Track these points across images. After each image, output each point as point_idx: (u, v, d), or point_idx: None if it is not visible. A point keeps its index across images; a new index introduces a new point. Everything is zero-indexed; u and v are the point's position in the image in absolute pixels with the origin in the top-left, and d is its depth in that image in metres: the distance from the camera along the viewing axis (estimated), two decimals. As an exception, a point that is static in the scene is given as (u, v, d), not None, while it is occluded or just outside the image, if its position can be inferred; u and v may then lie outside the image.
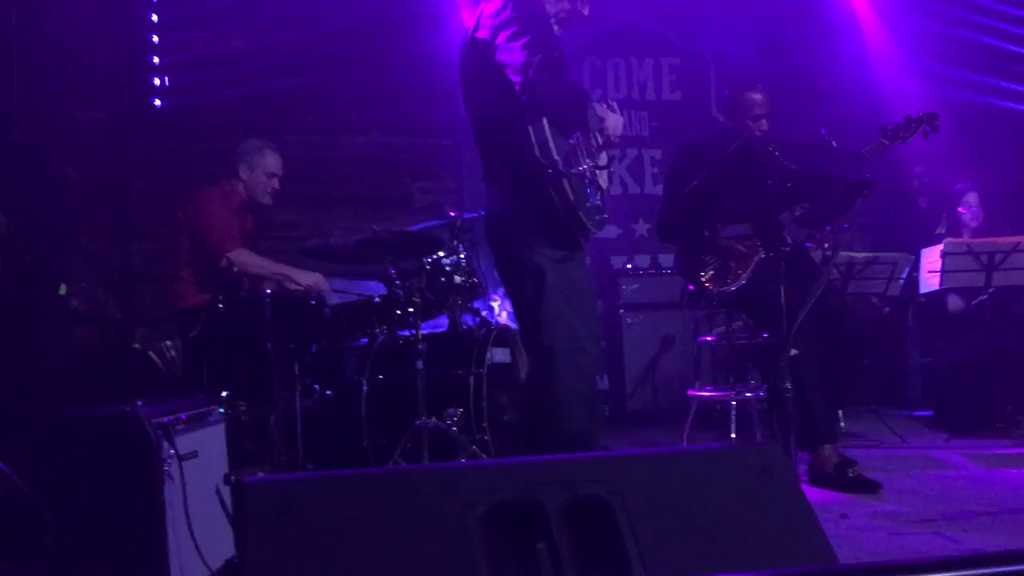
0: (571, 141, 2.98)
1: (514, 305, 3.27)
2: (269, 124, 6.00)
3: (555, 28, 3.20)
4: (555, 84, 2.90)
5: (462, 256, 4.44)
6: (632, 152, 7.48)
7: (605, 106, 3.10)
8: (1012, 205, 6.76)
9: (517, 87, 2.93)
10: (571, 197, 2.88)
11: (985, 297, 5.42)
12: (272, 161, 4.66)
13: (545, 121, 2.90)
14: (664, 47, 7.61)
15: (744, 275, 4.14)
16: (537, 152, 2.89)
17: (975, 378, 5.43)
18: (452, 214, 4.63)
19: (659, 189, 7.21)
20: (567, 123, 2.94)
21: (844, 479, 3.85)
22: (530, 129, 2.89)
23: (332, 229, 6.59)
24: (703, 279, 4.24)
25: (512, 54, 2.95)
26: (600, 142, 3.13)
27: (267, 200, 4.68)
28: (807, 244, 4.31)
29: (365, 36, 6.52)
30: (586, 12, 3.21)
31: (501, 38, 2.98)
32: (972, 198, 6.08)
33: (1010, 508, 3.45)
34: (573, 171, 2.90)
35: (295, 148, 6.21)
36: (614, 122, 3.09)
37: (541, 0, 3.18)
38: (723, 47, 7.37)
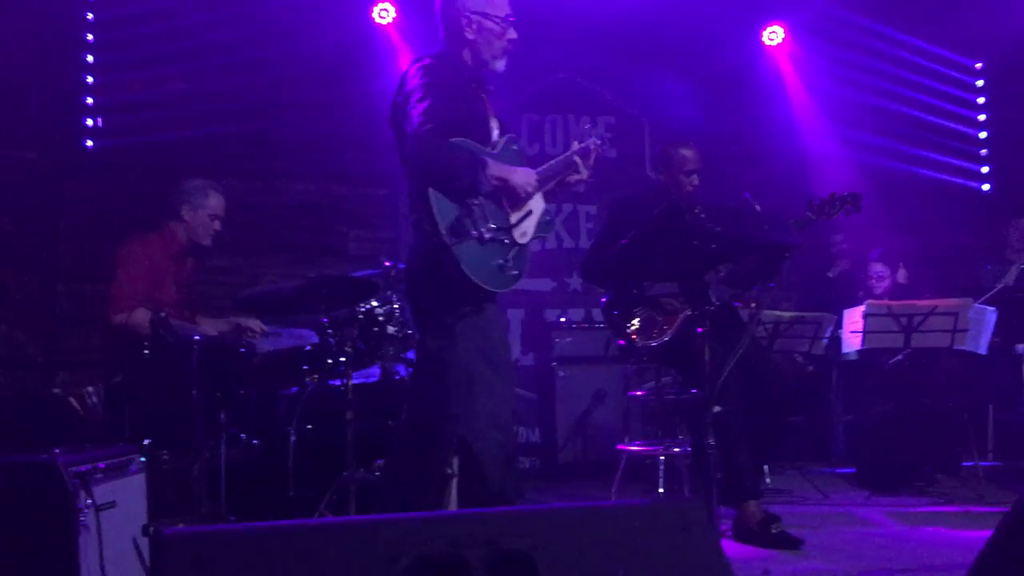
0: (471, 204, 3.00)
1: (424, 358, 3.26)
2: (204, 168, 5.95)
3: (497, 65, 3.29)
4: (438, 151, 2.95)
5: (396, 306, 4.44)
6: (567, 207, 7.60)
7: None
8: (931, 270, 7.02)
9: (405, 156, 3.03)
10: (459, 263, 2.91)
11: (901, 357, 5.60)
12: (216, 202, 4.65)
13: (432, 191, 2.94)
14: (601, 105, 7.79)
15: (669, 331, 4.22)
16: (425, 223, 2.95)
17: (896, 437, 5.57)
18: (387, 263, 4.63)
19: (593, 240, 7.35)
20: (453, 189, 2.97)
21: (767, 535, 3.91)
22: (419, 198, 2.96)
23: (264, 276, 6.54)
24: (629, 331, 4.31)
25: (408, 121, 3.03)
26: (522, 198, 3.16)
27: (207, 242, 4.66)
28: (735, 303, 4.43)
29: (305, 83, 6.55)
30: (514, 35, 3.30)
31: (408, 104, 3.06)
32: (879, 265, 6.32)
33: (926, 566, 3.53)
34: (466, 238, 2.93)
35: (229, 192, 6.11)
36: (522, 179, 3.11)
37: (457, 62, 3.25)
38: (658, 108, 7.57)
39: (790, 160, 7.48)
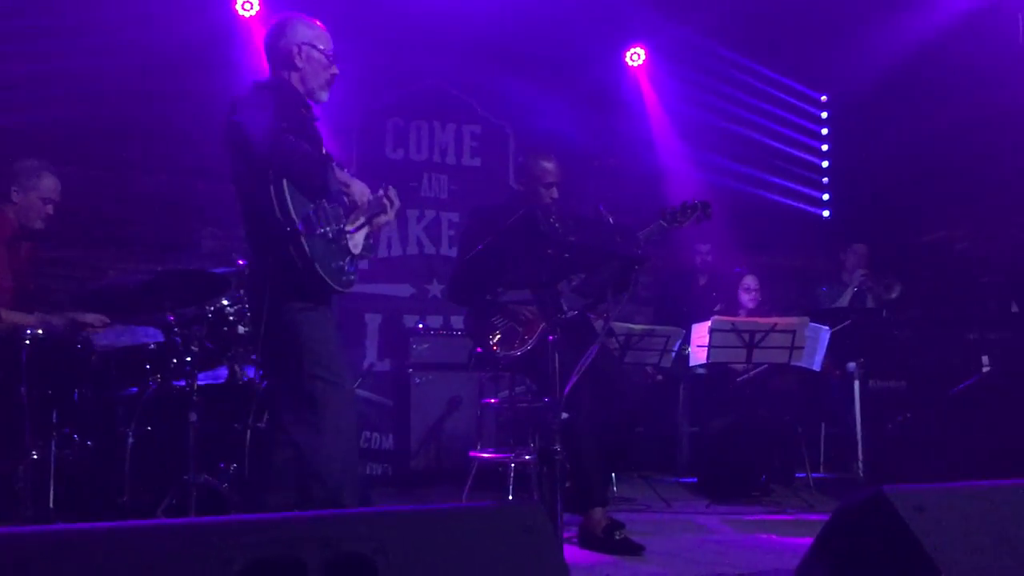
0: (319, 205, 3.13)
1: (267, 359, 3.30)
2: (49, 154, 5.64)
3: (322, 95, 3.42)
4: (295, 149, 3.08)
5: (247, 305, 4.32)
6: (430, 214, 7.59)
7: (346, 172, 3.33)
8: (776, 289, 7.38)
9: (261, 150, 3.06)
10: (309, 254, 3.02)
11: (749, 376, 5.85)
12: (49, 184, 4.42)
13: (285, 183, 3.04)
14: (467, 114, 7.83)
15: (531, 340, 4.26)
16: (277, 212, 3.03)
17: (735, 448, 5.81)
18: (240, 262, 4.50)
19: (455, 251, 7.36)
20: (307, 187, 3.10)
21: (611, 541, 4.00)
22: (271, 190, 3.03)
23: (109, 270, 6.24)
24: (491, 342, 4.33)
25: (258, 122, 3.10)
26: (354, 207, 3.31)
27: (39, 225, 4.43)
28: (589, 314, 4.53)
29: (162, 72, 6.29)
30: (336, 71, 3.44)
31: (251, 105, 3.16)
32: (750, 281, 6.57)
33: (757, 570, 3.70)
34: (315, 232, 3.05)
35: (76, 182, 5.86)
36: (359, 189, 3.29)
37: (288, 88, 3.35)
38: (524, 119, 7.67)
39: (648, 177, 7.72)
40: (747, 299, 6.52)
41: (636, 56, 8.11)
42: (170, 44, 6.19)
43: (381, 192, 3.43)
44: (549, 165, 4.46)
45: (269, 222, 3.05)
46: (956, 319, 5.71)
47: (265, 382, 4.30)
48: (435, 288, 7.47)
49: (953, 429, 4.95)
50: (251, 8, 6.71)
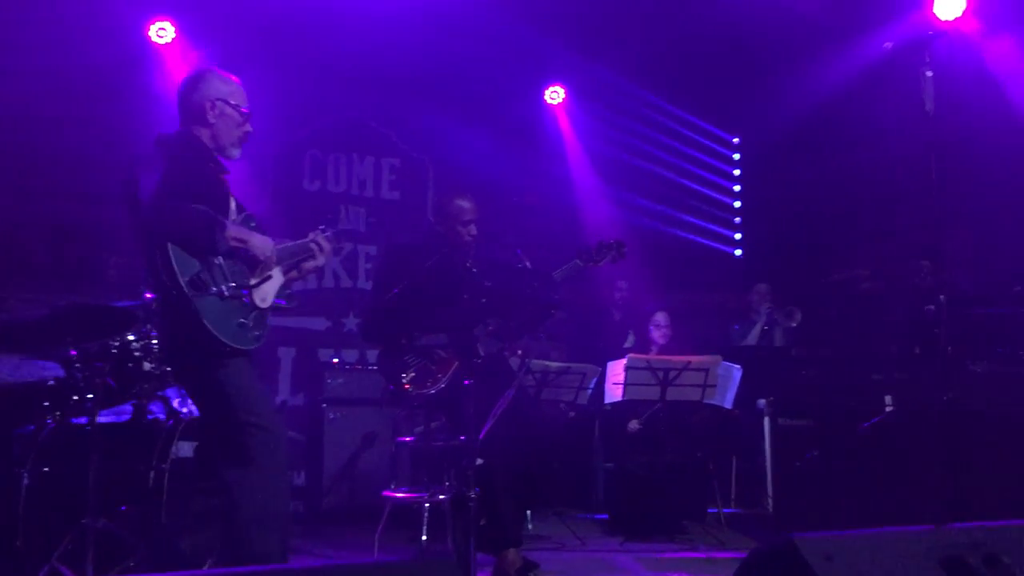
0: (213, 263, 3.07)
1: (201, 412, 3.25)
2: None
3: (233, 152, 3.37)
4: (175, 212, 3.01)
5: (154, 341, 4.19)
6: (347, 246, 7.51)
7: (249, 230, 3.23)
8: (690, 327, 7.50)
9: (143, 216, 3.02)
10: (199, 316, 2.96)
11: (658, 407, 5.91)
12: None
13: (170, 246, 2.99)
14: (386, 147, 7.81)
15: (443, 379, 4.22)
16: (163, 275, 2.98)
17: (648, 485, 5.85)
18: (148, 295, 4.37)
19: (370, 285, 7.30)
20: (193, 248, 3.03)
21: (525, 583, 3.97)
22: (157, 253, 2.99)
23: (9, 299, 5.97)
24: (404, 381, 4.28)
25: (145, 186, 3.04)
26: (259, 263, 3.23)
27: None
28: (507, 352, 4.52)
29: (70, 98, 6.12)
30: (250, 129, 3.40)
31: (144, 165, 3.10)
32: (661, 317, 6.65)
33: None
34: (207, 292, 2.99)
35: (-27, 208, 5.64)
36: (259, 243, 3.20)
37: (197, 142, 3.30)
38: (444, 154, 7.68)
39: (565, 214, 7.80)
40: (658, 335, 6.61)
41: (556, 94, 8.22)
42: (79, 69, 6.03)
43: (311, 236, 3.38)
44: (466, 204, 4.45)
45: (160, 282, 3.01)
46: (861, 358, 5.88)
47: (171, 421, 4.18)
48: (351, 322, 7.38)
49: (858, 467, 5.08)
50: (165, 35, 6.59)
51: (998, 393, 4.81)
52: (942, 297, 3.43)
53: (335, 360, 6.99)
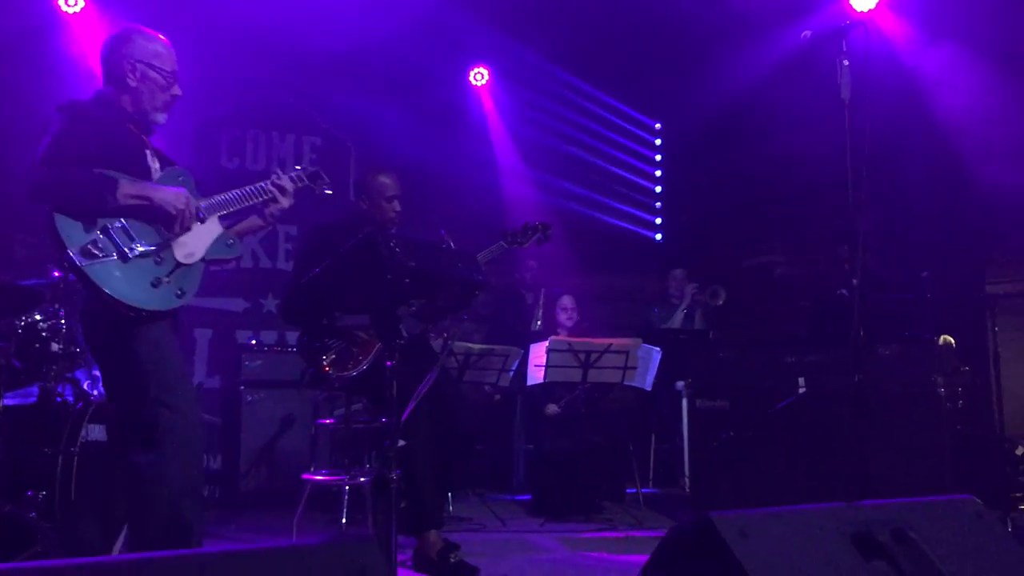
0: (110, 226, 2.95)
1: (108, 390, 3.18)
2: None
3: (158, 117, 3.24)
4: (54, 177, 2.89)
5: (63, 321, 4.05)
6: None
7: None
8: (606, 309, 7.58)
9: (26, 184, 2.92)
10: (102, 287, 2.87)
11: (577, 393, 5.97)
12: None
13: (56, 215, 2.88)
14: (307, 125, 7.67)
15: (365, 361, 4.18)
16: (55, 248, 2.90)
17: (568, 467, 5.90)
18: (56, 274, 4.22)
19: (291, 265, 7.17)
20: (80, 213, 2.91)
21: (446, 565, 3.97)
22: (53, 218, 2.88)
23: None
24: (324, 363, 4.22)
25: (39, 148, 2.95)
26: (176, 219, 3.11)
27: None
28: (430, 334, 4.49)
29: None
30: (179, 92, 3.26)
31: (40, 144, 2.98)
32: (567, 301, 6.71)
33: (589, 590, 3.76)
34: (103, 258, 2.89)
35: None
36: (171, 197, 3.06)
37: (114, 104, 3.18)
38: (366, 134, 7.57)
39: (489, 196, 7.78)
40: (564, 318, 6.68)
41: (480, 76, 8.17)
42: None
43: (271, 179, 3.28)
44: (388, 180, 4.41)
45: (56, 251, 2.91)
46: (775, 341, 6.03)
47: (80, 404, 4.05)
48: (270, 303, 7.26)
49: (773, 447, 5.21)
50: (75, 3, 6.34)
51: (905, 374, 4.99)
52: (855, 281, 3.52)
53: (253, 342, 6.86)
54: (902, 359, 5.05)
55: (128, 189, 2.97)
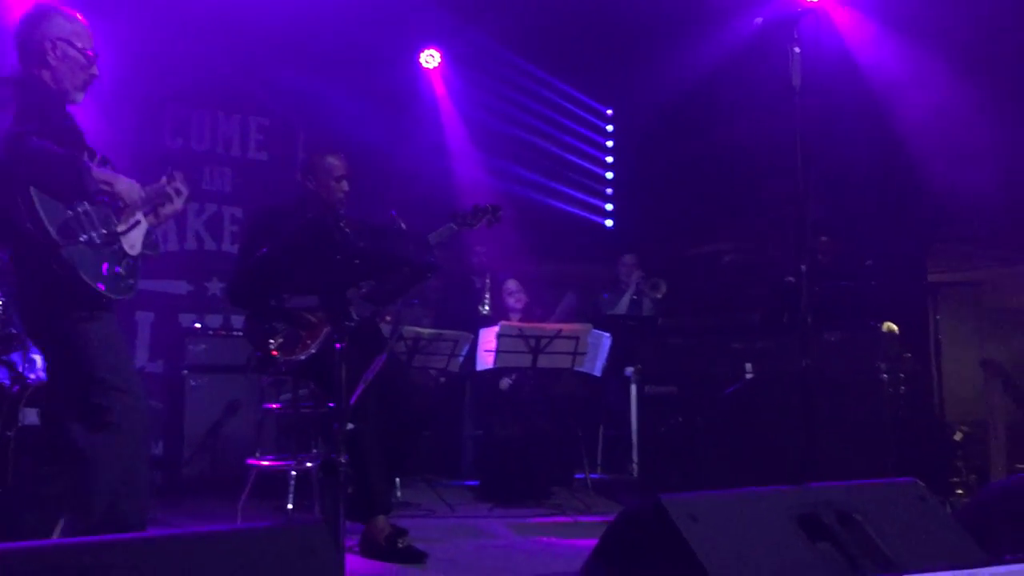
0: (78, 210, 2.91)
1: (51, 373, 3.14)
2: None
3: (77, 96, 3.19)
4: (39, 153, 2.85)
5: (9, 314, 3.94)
6: (211, 207, 7.23)
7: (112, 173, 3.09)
8: (560, 295, 7.58)
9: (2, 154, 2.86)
10: (72, 265, 2.84)
11: (527, 369, 5.96)
12: None
13: (34, 191, 2.83)
14: (254, 105, 7.52)
15: (314, 345, 4.13)
16: (29, 223, 2.82)
17: (517, 453, 5.90)
18: (-6, 254, 4.08)
19: (236, 248, 7.05)
20: (59, 191, 2.88)
21: (394, 550, 3.94)
22: (19, 199, 2.81)
23: None
24: (271, 347, 4.15)
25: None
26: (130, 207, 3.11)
27: None
28: (377, 318, 4.44)
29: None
30: (97, 72, 3.21)
31: None
32: (512, 285, 6.70)
33: (536, 574, 3.76)
34: (76, 240, 2.86)
35: None
36: (126, 187, 3.07)
37: (41, 86, 3.13)
38: (314, 115, 7.45)
39: (440, 180, 7.72)
40: (512, 302, 6.67)
41: (431, 58, 8.10)
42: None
43: (164, 180, 3.22)
44: (335, 160, 4.35)
45: (23, 233, 2.82)
46: (724, 328, 6.08)
47: (16, 387, 3.94)
48: (215, 286, 7.13)
49: (720, 433, 5.26)
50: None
51: (849, 360, 5.06)
52: (803, 267, 3.56)
53: (197, 325, 6.73)
54: (847, 345, 5.12)
55: (98, 174, 2.96)
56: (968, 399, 5.49)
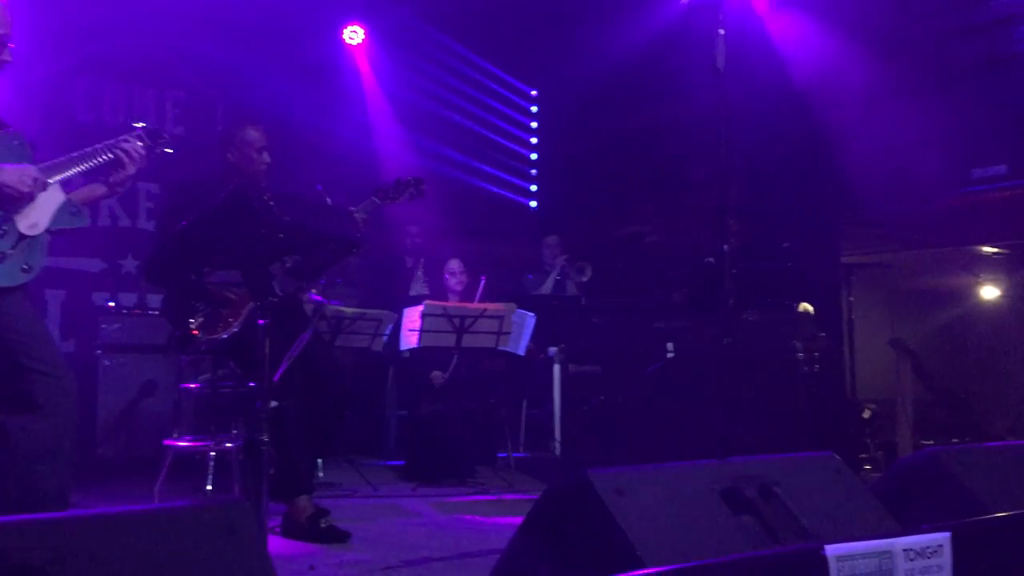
0: None
1: None
2: None
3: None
4: None
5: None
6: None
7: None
8: (482, 275, 7.57)
9: None
10: None
11: (456, 360, 5.95)
12: None
13: None
14: (170, 79, 7.30)
15: (235, 323, 4.03)
16: None
17: (441, 432, 5.90)
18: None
19: (152, 225, 6.86)
20: None
21: (316, 530, 3.90)
22: None
23: None
24: (192, 326, 4.04)
25: None
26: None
27: None
28: (313, 296, 4.38)
29: None
30: (8, 58, 3.03)
31: None
32: (455, 264, 6.65)
33: (461, 552, 3.77)
34: None
35: None
36: (10, 177, 2.90)
37: None
38: (234, 90, 7.27)
39: (363, 158, 7.62)
40: (453, 282, 6.63)
41: (355, 34, 7.97)
42: None
43: (115, 141, 3.10)
44: (255, 132, 4.25)
45: None
46: (646, 308, 6.17)
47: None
48: (129, 264, 6.92)
49: (642, 410, 5.34)
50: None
51: (768, 340, 5.19)
52: (725, 247, 3.62)
53: (111, 304, 6.54)
54: (765, 325, 5.24)
55: None
56: (878, 377, 5.67)
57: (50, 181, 2.99)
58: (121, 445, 6.02)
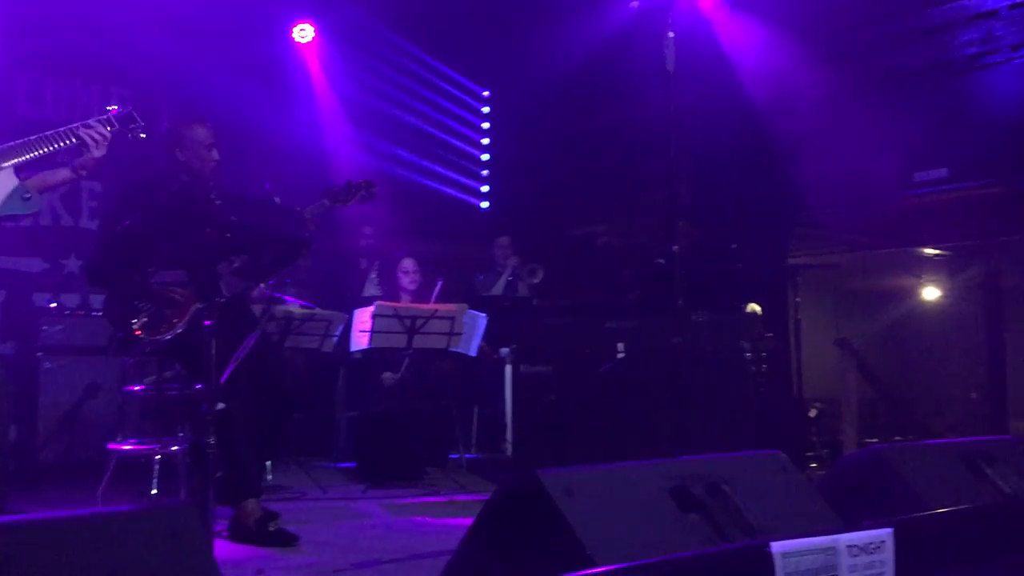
0: None
1: None
2: None
3: None
4: None
5: None
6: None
7: None
8: (435, 276, 7.54)
9: None
10: None
11: (411, 362, 5.92)
12: None
13: None
14: (115, 75, 7.15)
15: (180, 324, 3.96)
16: None
17: (393, 432, 5.87)
18: None
19: (96, 224, 6.72)
20: None
21: (264, 533, 3.85)
22: None
23: None
24: (134, 327, 3.96)
25: None
26: None
27: None
28: (266, 294, 4.31)
29: None
30: None
31: None
32: (408, 264, 6.60)
33: (414, 554, 3.75)
34: None
35: None
36: None
37: None
38: (180, 87, 7.15)
39: (313, 157, 7.55)
40: (407, 282, 6.58)
41: (304, 32, 7.89)
42: None
43: (77, 125, 2.99)
44: (203, 129, 4.18)
45: None
46: (597, 308, 6.19)
47: None
48: (72, 264, 6.77)
49: (593, 410, 5.36)
50: None
51: (717, 340, 5.24)
52: (675, 248, 3.65)
53: (53, 305, 6.39)
54: (714, 325, 5.30)
55: None
56: (823, 377, 5.75)
57: (2, 166, 2.89)
58: (63, 449, 5.88)
